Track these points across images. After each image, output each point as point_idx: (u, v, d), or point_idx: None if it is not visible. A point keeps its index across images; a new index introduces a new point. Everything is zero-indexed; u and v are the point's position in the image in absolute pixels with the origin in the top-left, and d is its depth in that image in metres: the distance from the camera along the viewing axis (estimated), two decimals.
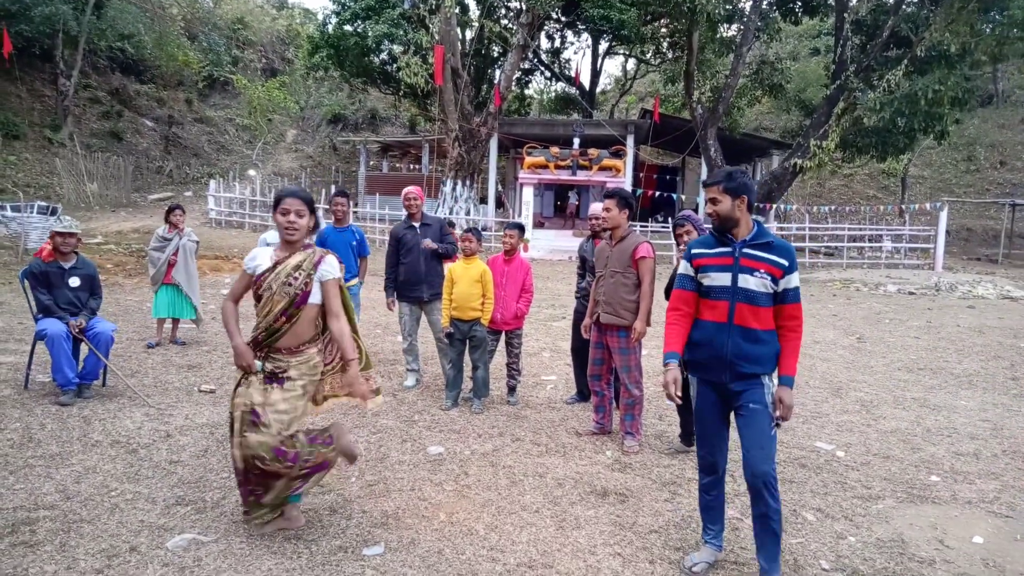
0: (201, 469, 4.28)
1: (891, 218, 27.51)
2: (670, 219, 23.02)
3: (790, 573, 3.38)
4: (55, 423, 4.96)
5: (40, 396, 5.51)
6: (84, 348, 5.62)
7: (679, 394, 3.25)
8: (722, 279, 3.18)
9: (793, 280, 3.12)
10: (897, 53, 20.85)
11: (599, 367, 5.21)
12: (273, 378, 3.30)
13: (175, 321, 7.81)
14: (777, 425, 3.14)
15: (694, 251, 3.33)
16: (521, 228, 6.20)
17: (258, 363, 3.30)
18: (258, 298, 3.31)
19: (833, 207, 25.72)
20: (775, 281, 3.10)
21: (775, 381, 3.19)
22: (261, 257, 3.36)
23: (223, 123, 34.32)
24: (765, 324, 3.13)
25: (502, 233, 6.10)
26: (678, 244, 4.87)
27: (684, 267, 3.37)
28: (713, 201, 3.19)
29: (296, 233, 3.30)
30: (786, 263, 3.10)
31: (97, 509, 3.66)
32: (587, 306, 5.39)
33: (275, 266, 3.30)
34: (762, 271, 3.09)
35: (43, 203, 18.55)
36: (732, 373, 3.16)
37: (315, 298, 3.33)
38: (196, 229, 7.74)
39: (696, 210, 21.66)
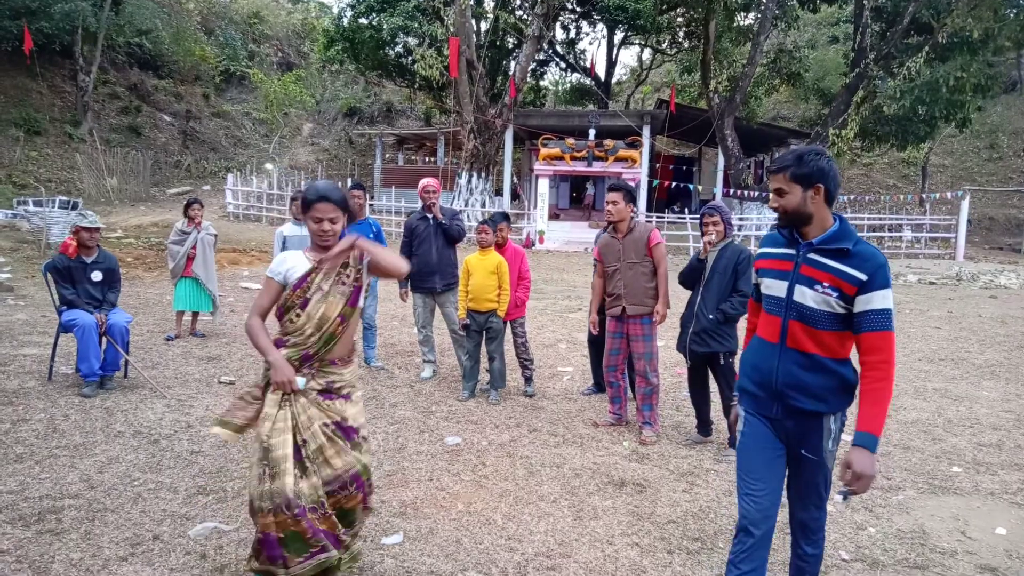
0: (222, 459, 4.33)
1: (911, 207, 27.15)
2: (686, 210, 22.93)
3: None
4: (78, 414, 5.03)
5: (63, 387, 5.59)
6: (105, 340, 5.69)
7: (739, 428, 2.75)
8: (778, 288, 2.55)
9: (876, 301, 2.34)
10: (918, 40, 20.54)
11: (615, 357, 5.20)
12: (333, 394, 2.85)
13: (195, 314, 7.89)
14: (845, 497, 2.44)
15: (761, 250, 2.73)
16: (507, 218, 6.21)
17: (301, 380, 2.77)
18: (287, 309, 2.83)
19: (852, 196, 25.43)
20: (845, 299, 2.37)
21: (841, 425, 2.57)
22: (292, 260, 2.88)
23: (240, 117, 34.51)
24: (831, 350, 2.45)
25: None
26: (704, 234, 4.84)
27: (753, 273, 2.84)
28: (779, 192, 2.51)
29: (331, 239, 2.87)
30: (864, 277, 2.35)
31: (120, 498, 3.71)
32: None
33: (317, 267, 2.86)
34: (826, 284, 2.39)
35: (64, 198, 18.77)
36: (783, 406, 2.53)
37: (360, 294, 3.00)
38: (214, 223, 7.81)
39: (713, 199, 21.51)
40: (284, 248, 6.35)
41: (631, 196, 5.10)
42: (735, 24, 24.00)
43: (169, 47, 31.32)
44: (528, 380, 6.09)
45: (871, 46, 21.03)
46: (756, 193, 22.11)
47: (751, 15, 25.31)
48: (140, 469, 4.11)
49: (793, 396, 2.49)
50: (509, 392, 6.07)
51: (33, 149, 23.89)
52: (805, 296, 2.45)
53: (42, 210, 16.32)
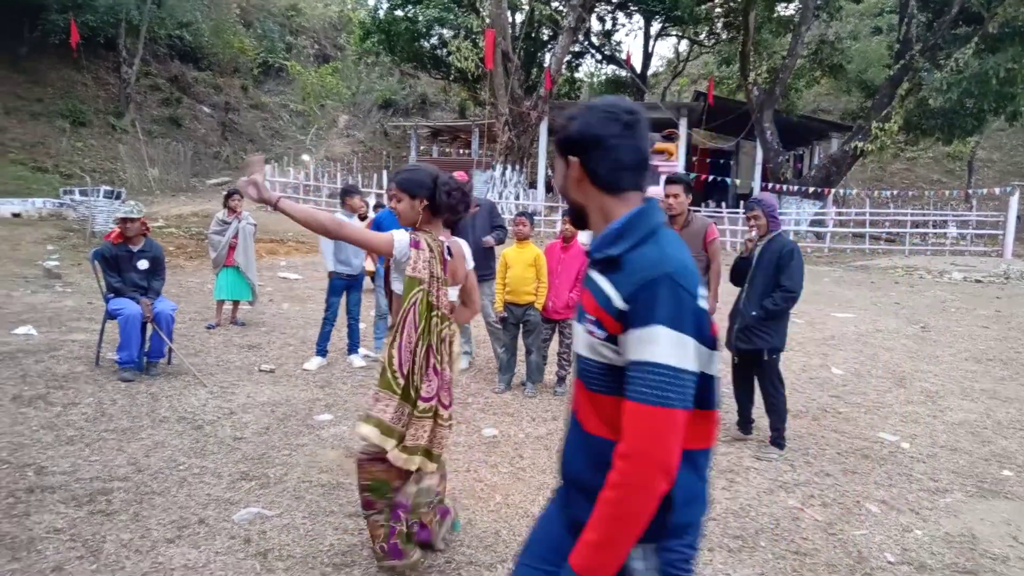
0: (263, 446, 4.39)
1: (956, 203, 26.44)
2: (723, 204, 22.63)
3: (854, 564, 3.30)
4: (125, 399, 5.15)
5: (110, 373, 5.72)
6: (150, 327, 5.81)
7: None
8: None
9: (633, 345, 1.39)
10: (966, 30, 19.95)
11: None
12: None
13: (235, 303, 8.01)
14: None
15: None
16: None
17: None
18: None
19: (895, 192, 24.86)
20: (612, 340, 1.45)
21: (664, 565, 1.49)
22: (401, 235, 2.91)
23: (277, 109, 34.92)
24: (618, 431, 1.43)
25: (561, 219, 6.04)
26: (750, 229, 4.78)
27: None
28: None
29: (402, 220, 2.97)
30: (622, 303, 1.41)
31: (167, 482, 3.79)
32: None
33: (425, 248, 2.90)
34: (590, 316, 1.50)
35: (108, 188, 19.18)
36: (568, 516, 1.61)
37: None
38: (252, 213, 7.94)
39: (750, 195, 21.17)
40: (337, 242, 6.42)
41: (690, 188, 5.12)
42: (775, 15, 23.58)
43: (209, 39, 31.79)
44: (561, 380, 6.01)
45: (917, 37, 20.47)
46: (796, 187, 21.73)
47: (792, 6, 24.83)
48: (185, 454, 4.19)
49: (573, 501, 1.58)
50: (545, 386, 6.06)
51: (78, 140, 24.46)
52: (578, 336, 1.58)
53: (87, 199, 16.70)
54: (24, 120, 23.89)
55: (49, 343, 6.56)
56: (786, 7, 25.05)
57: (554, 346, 6.07)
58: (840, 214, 22.22)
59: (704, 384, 1.45)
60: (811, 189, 21.39)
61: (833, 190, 22.25)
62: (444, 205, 2.90)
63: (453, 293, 3.03)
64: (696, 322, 1.39)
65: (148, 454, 4.15)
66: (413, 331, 2.88)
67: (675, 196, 4.99)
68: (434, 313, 2.91)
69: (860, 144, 20.61)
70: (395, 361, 2.87)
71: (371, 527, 2.93)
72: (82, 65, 25.93)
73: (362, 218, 7.28)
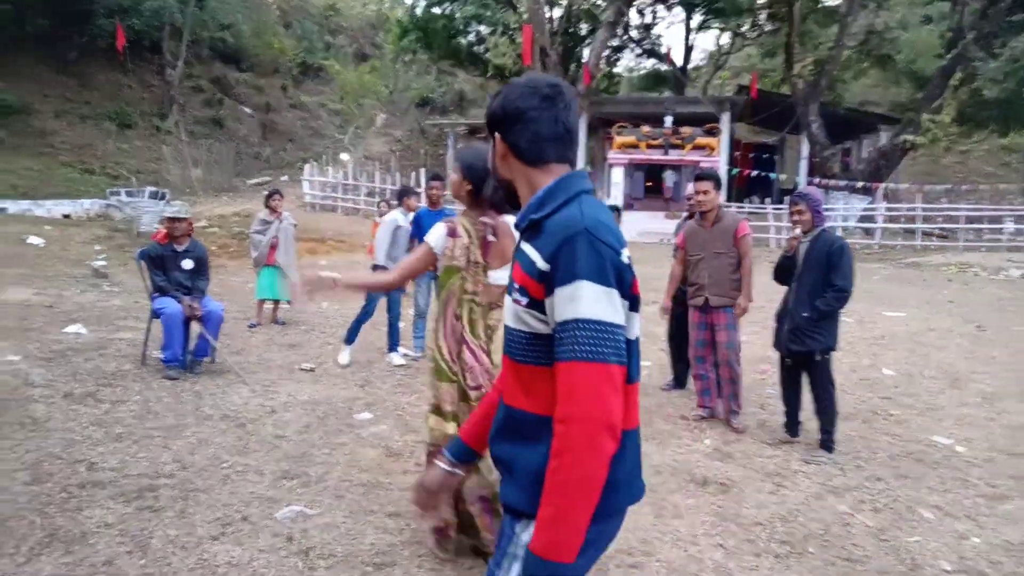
0: (304, 445, 4.42)
1: (1013, 197, 25.49)
2: (767, 199, 22.19)
3: (907, 572, 3.18)
4: (171, 396, 5.23)
5: (156, 371, 5.83)
6: (195, 326, 5.90)
7: None
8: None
9: (559, 304, 1.36)
10: (1022, 17, 19.21)
11: (703, 349, 5.12)
12: None
13: (276, 302, 8.11)
14: None
15: None
16: (618, 210, 6.09)
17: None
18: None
19: (948, 186, 24.06)
20: (536, 306, 1.43)
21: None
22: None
23: (316, 108, 35.36)
24: (539, 403, 1.44)
25: None
26: (793, 225, 4.64)
27: None
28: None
29: (451, 190, 3.09)
30: (544, 263, 1.40)
31: (211, 479, 3.83)
32: (683, 290, 5.31)
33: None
34: (516, 284, 1.49)
35: (153, 188, 19.66)
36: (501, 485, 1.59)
37: None
38: (292, 212, 8.05)
39: (795, 190, 20.77)
40: (394, 239, 6.45)
41: (719, 184, 5.02)
42: (821, 5, 23.04)
43: (250, 41, 32.36)
44: None
45: (970, 25, 19.78)
46: (843, 182, 21.19)
47: None
48: (228, 451, 4.24)
49: (502, 482, 1.55)
50: None
51: (124, 141, 25.10)
52: (506, 310, 1.55)
53: (133, 200, 17.13)
54: (73, 123, 24.61)
55: (98, 341, 6.72)
56: None
57: None
58: (890, 209, 21.56)
59: (633, 350, 1.47)
60: (859, 184, 20.85)
61: (883, 185, 21.64)
62: (492, 198, 2.87)
63: (502, 275, 2.91)
64: (619, 276, 1.39)
65: (193, 451, 4.21)
66: (455, 319, 2.90)
67: (704, 192, 4.89)
68: (472, 298, 2.90)
69: (910, 137, 20.02)
70: (444, 351, 2.93)
71: (475, 519, 2.93)
72: (128, 68, 26.61)
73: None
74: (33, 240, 13.51)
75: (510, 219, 2.98)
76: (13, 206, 17.26)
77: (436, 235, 2.92)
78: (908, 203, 21.90)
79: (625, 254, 1.43)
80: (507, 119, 1.53)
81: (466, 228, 2.90)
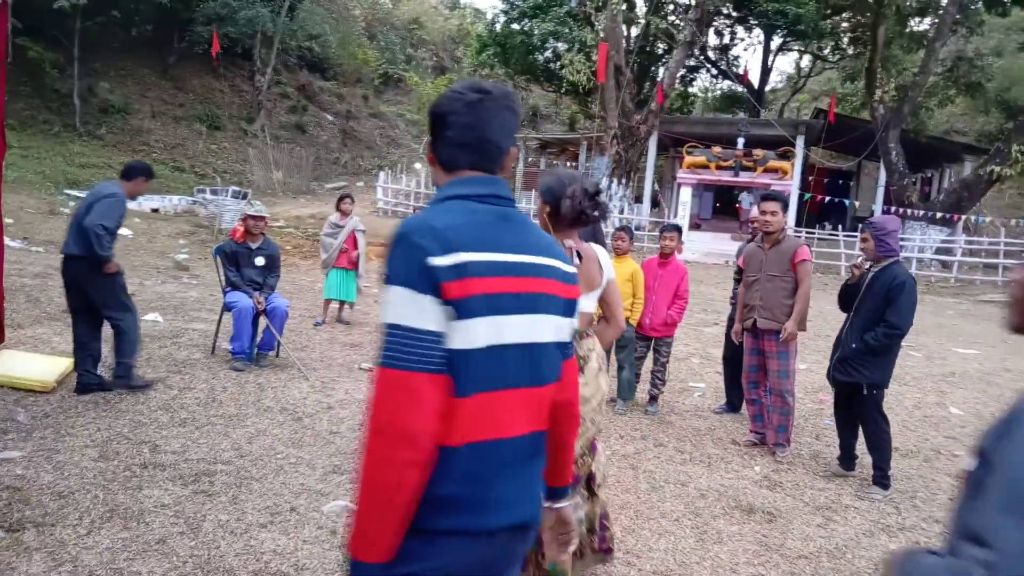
0: (357, 442, 4.55)
1: None
2: (840, 226, 21.54)
3: None
4: (235, 387, 5.47)
5: (223, 362, 6.10)
6: (263, 321, 6.16)
7: None
8: None
9: (383, 307, 1.40)
10: None
11: (755, 374, 5.04)
12: None
13: (341, 302, 8.36)
14: None
15: None
16: (679, 229, 6.05)
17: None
18: None
19: None
20: None
21: None
22: None
23: (394, 118, 36.27)
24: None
25: (658, 235, 5.96)
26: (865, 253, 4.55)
27: None
28: None
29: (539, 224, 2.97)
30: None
31: (265, 469, 3.99)
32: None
33: None
34: None
35: (236, 188, 20.53)
36: None
37: None
38: (364, 218, 8.30)
39: (870, 217, 20.09)
40: None
41: (787, 206, 4.98)
42: (908, 29, 22.29)
43: (335, 51, 33.51)
44: (653, 400, 5.86)
45: None
46: (921, 212, 20.39)
47: (927, 20, 23.41)
48: (284, 443, 4.41)
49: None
50: (636, 404, 5.96)
51: (213, 143, 26.32)
52: None
53: (217, 198, 17.93)
54: (167, 123, 25.96)
55: (172, 330, 7.07)
56: (920, 22, 23.65)
57: (648, 364, 5.97)
58: (970, 242, 20.63)
59: (461, 359, 1.33)
60: (939, 215, 20.01)
61: (963, 216, 20.72)
62: (568, 213, 2.72)
63: (586, 303, 2.80)
64: (431, 279, 1.30)
65: (250, 441, 4.40)
66: None
67: (772, 213, 4.81)
68: None
69: (997, 168, 19.10)
70: None
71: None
72: (220, 74, 27.94)
73: None
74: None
75: (600, 250, 2.94)
76: None
77: None
78: (991, 237, 20.90)
79: (454, 258, 1.32)
80: (433, 124, 1.53)
81: None
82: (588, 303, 2.82)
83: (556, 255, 1.54)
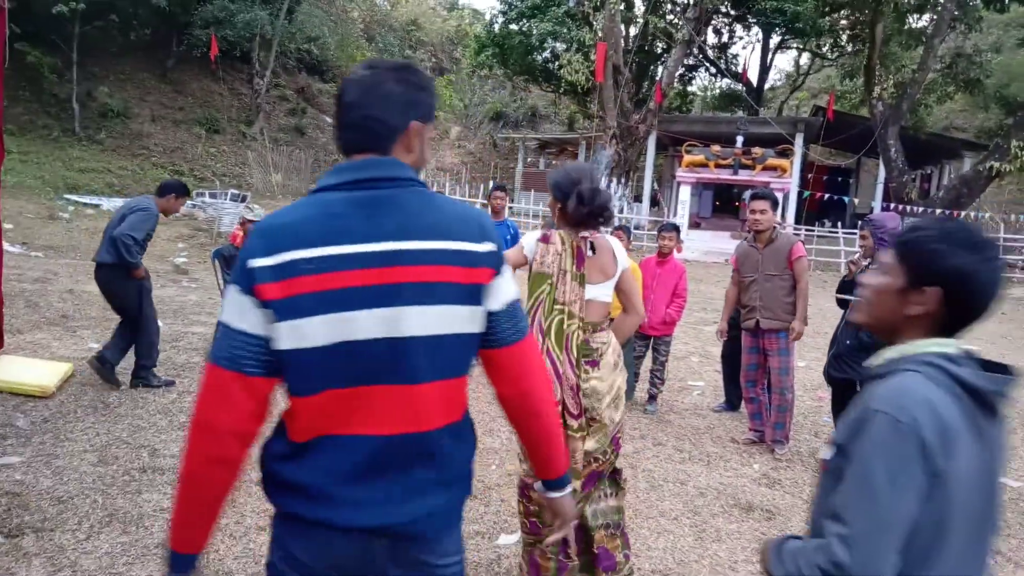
0: None
1: None
2: (839, 224, 21.55)
3: None
4: None
5: None
6: None
7: None
8: None
9: None
10: None
11: (754, 372, 5.05)
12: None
13: None
14: None
15: None
16: (677, 229, 6.05)
17: None
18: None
19: None
20: None
21: None
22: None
23: None
24: None
25: (656, 234, 5.97)
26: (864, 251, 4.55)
27: None
28: None
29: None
30: None
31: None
32: (738, 311, 5.23)
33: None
34: None
35: (235, 191, 20.53)
36: None
37: None
38: None
39: (869, 213, 20.06)
40: None
41: (776, 204, 4.96)
42: (906, 26, 22.27)
43: (334, 53, 33.50)
44: (652, 399, 5.87)
45: None
46: (921, 208, 20.39)
47: (925, 17, 23.40)
48: None
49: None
50: (634, 403, 5.97)
51: (212, 146, 26.33)
52: None
53: (216, 201, 17.94)
54: (167, 127, 25.98)
55: (172, 334, 7.08)
56: (918, 18, 23.63)
57: (647, 363, 5.98)
58: None
59: (294, 359, 1.31)
60: (938, 211, 20.01)
61: (963, 212, 20.70)
62: (575, 212, 2.71)
63: (601, 292, 2.79)
64: (249, 279, 1.30)
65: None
66: (539, 333, 2.71)
67: (762, 211, 4.81)
68: (563, 310, 2.71)
69: (997, 164, 19.10)
70: None
71: (535, 555, 2.76)
72: (219, 77, 27.95)
73: None
74: None
75: (615, 241, 2.90)
76: (107, 203, 18.32)
77: (530, 239, 2.85)
78: (991, 233, 20.88)
79: (277, 258, 1.29)
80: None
81: (561, 237, 2.77)
82: (603, 292, 2.80)
83: (454, 236, 1.37)
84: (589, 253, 2.77)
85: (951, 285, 1.30)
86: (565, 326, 2.71)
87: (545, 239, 2.79)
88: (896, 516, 1.16)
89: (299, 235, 1.30)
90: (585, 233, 2.78)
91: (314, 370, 1.33)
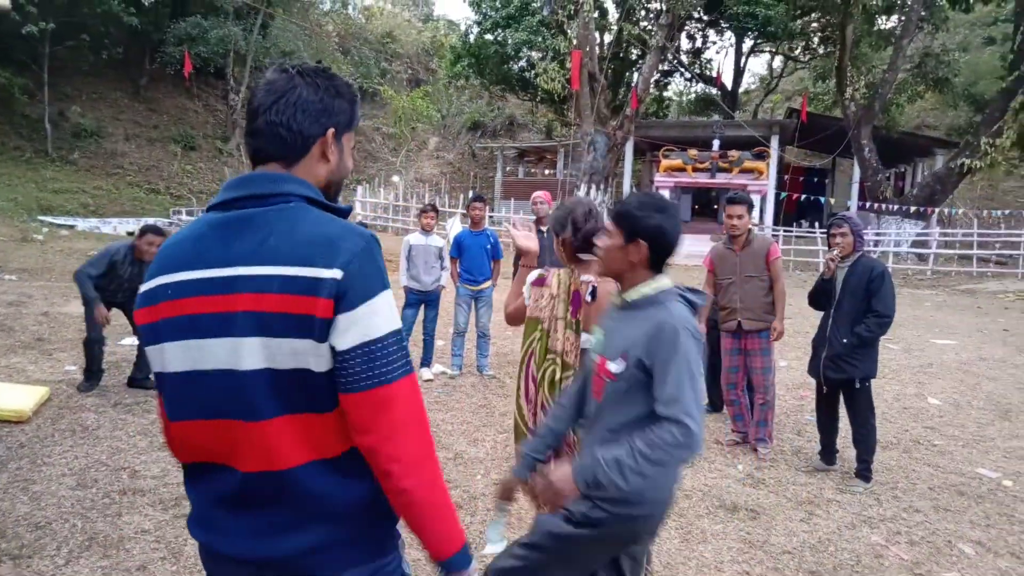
0: None
1: None
2: (816, 224, 21.79)
3: None
4: None
5: None
6: None
7: None
8: None
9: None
10: None
11: (735, 375, 5.08)
12: None
13: None
14: None
15: None
16: None
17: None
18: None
19: (1007, 211, 23.24)
20: None
21: None
22: None
23: (371, 132, 36.24)
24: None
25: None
26: (830, 247, 4.55)
27: None
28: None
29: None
30: None
31: None
32: (717, 313, 5.25)
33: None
34: None
35: None
36: None
37: None
38: None
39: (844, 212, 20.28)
40: (410, 256, 6.59)
41: (751, 208, 5.04)
42: (875, 28, 22.63)
43: None
44: None
45: None
46: (896, 207, 20.68)
47: (893, 18, 23.81)
48: None
49: None
50: None
51: (188, 163, 26.16)
52: None
53: (193, 219, 17.81)
54: (142, 145, 25.78)
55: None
56: (887, 20, 24.04)
57: None
58: (945, 235, 20.94)
59: (161, 383, 1.34)
60: (913, 208, 20.31)
61: (937, 209, 21.04)
62: (573, 237, 2.63)
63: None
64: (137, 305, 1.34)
65: None
66: (532, 383, 2.60)
67: (739, 217, 4.86)
68: (555, 359, 2.59)
69: (968, 161, 19.43)
70: (524, 410, 2.68)
71: None
72: (193, 93, 27.80)
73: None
74: None
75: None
76: (82, 223, 18.16)
77: (530, 278, 2.75)
78: (964, 228, 21.23)
79: (152, 283, 1.28)
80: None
81: (559, 279, 2.66)
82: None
83: (295, 261, 1.19)
84: (588, 299, 2.59)
85: (652, 238, 1.98)
86: (559, 377, 2.58)
87: (540, 281, 2.69)
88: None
89: (168, 260, 1.29)
90: (587, 277, 2.62)
91: (176, 396, 1.31)
